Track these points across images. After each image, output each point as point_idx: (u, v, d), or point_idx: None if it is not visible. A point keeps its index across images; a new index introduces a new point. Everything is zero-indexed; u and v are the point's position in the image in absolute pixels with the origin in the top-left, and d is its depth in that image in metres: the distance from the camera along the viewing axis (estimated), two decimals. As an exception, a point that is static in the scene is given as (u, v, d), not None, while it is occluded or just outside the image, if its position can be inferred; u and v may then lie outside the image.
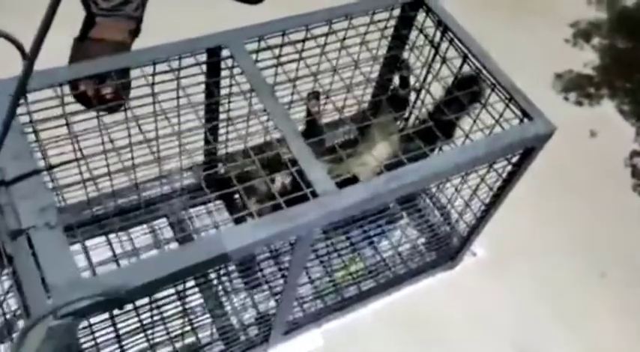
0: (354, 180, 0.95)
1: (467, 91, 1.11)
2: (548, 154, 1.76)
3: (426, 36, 1.24)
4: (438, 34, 1.21)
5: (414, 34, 1.26)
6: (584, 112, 1.92)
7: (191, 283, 1.28)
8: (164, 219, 1.42)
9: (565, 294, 1.51)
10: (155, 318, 1.16)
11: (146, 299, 0.97)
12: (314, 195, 0.90)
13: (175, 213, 1.41)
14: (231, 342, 1.24)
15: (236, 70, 1.06)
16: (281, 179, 1.09)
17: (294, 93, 1.12)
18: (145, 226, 1.39)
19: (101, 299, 0.71)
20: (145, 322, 1.12)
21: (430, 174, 0.97)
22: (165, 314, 1.10)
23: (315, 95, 1.12)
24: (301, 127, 1.17)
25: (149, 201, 1.38)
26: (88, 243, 1.30)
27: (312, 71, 1.10)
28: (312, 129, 1.09)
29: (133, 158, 1.16)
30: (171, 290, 1.16)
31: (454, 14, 1.21)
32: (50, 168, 0.87)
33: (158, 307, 1.06)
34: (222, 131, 1.30)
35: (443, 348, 1.37)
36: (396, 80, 1.21)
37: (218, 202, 1.48)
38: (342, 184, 0.92)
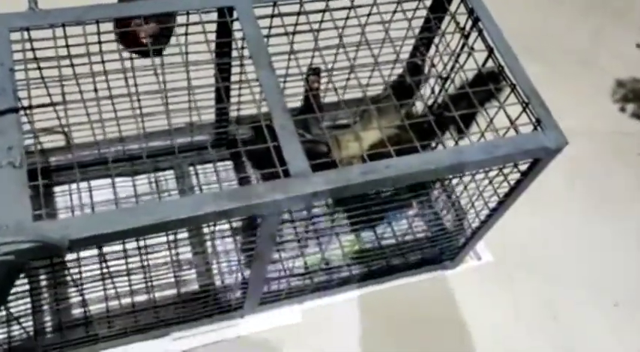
0: (334, 164, 0.91)
1: (480, 89, 1.04)
2: (587, 166, 1.66)
3: (457, 23, 1.16)
4: (469, 22, 1.14)
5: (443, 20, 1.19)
6: (638, 127, 1.77)
7: (183, 235, 1.31)
8: (171, 171, 1.43)
9: (567, 320, 1.42)
10: (120, 268, 1.19)
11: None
12: (287, 174, 0.88)
13: (181, 166, 1.42)
14: (209, 301, 1.26)
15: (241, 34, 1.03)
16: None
17: (298, 66, 1.08)
18: (151, 175, 1.42)
19: (39, 245, 0.73)
20: (114, 269, 1.16)
21: (415, 172, 0.92)
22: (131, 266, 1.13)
23: (315, 71, 1.08)
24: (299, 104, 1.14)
25: (158, 151, 1.40)
26: (93, 183, 1.36)
27: (319, 46, 1.05)
28: (310, 106, 1.05)
29: (140, 107, 1.17)
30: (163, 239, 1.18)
31: (512, 8, 1.12)
32: (30, 107, 0.89)
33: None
34: (234, 92, 1.29)
35: (417, 348, 1.32)
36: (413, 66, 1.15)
37: (228, 162, 1.49)
38: (320, 167, 0.89)
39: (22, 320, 1.14)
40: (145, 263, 1.24)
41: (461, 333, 1.36)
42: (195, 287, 1.28)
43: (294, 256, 1.34)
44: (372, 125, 1.07)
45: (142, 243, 1.25)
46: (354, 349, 1.30)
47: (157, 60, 1.06)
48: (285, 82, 1.16)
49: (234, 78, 1.22)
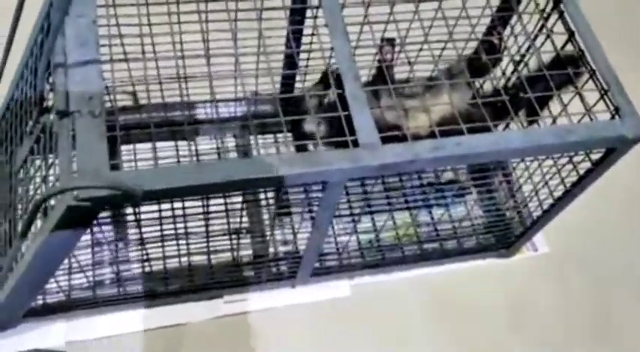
0: (403, 138, 0.90)
1: (558, 72, 1.01)
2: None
3: (537, 4, 1.13)
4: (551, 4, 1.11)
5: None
6: None
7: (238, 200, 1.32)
8: (232, 139, 1.45)
9: (621, 325, 1.36)
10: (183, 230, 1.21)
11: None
12: (355, 144, 0.87)
13: (243, 135, 1.44)
14: (263, 269, 1.27)
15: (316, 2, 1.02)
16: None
17: (372, 39, 1.07)
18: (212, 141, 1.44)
19: (116, 192, 0.75)
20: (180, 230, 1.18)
21: (486, 152, 0.90)
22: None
23: (389, 42, 1.07)
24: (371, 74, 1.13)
25: (222, 118, 1.42)
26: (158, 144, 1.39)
27: (396, 19, 1.04)
28: (383, 77, 1.04)
29: (210, 71, 1.19)
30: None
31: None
32: (111, 61, 0.91)
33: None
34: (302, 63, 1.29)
35: (458, 335, 1.31)
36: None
37: (289, 134, 1.49)
38: (388, 140, 0.88)
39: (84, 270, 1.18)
40: (204, 227, 1.27)
41: (507, 324, 1.34)
42: (249, 253, 1.30)
43: (348, 232, 1.34)
44: (442, 97, 1.05)
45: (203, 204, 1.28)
46: (399, 328, 1.30)
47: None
48: (355, 54, 1.15)
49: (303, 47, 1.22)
